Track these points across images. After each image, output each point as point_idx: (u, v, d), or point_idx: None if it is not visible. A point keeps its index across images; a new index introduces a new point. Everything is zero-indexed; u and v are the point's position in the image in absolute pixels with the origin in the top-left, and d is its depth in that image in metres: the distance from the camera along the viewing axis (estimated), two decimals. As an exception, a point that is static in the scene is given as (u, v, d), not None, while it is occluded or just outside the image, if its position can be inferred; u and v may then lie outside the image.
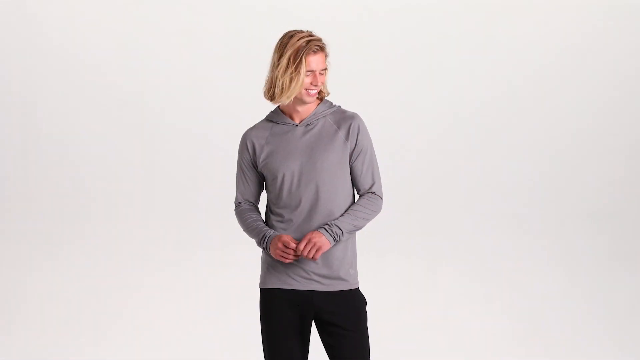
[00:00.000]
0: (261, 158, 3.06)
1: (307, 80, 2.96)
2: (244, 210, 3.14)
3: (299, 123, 3.05)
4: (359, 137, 3.01)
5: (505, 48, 5.54)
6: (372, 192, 3.04)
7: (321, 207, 2.99)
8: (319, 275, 2.99)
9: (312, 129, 3.03)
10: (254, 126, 3.12)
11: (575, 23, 5.57)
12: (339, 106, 3.09)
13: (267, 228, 3.06)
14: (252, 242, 5.26)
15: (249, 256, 5.33)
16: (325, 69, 2.99)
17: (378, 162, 3.08)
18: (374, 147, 3.08)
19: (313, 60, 2.95)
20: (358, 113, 3.07)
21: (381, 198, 3.05)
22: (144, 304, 5.25)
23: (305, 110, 3.04)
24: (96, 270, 5.31)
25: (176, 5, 5.38)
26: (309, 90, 2.97)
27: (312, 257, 2.91)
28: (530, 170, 5.58)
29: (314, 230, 2.96)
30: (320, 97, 3.06)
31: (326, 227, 2.95)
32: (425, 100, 5.50)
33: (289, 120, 3.06)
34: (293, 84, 2.94)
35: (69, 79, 5.34)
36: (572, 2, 5.57)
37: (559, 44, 5.57)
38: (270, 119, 3.10)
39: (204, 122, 5.39)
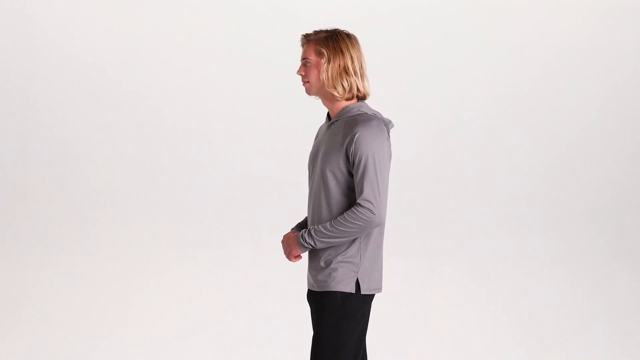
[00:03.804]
0: None
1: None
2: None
3: (329, 121, 3.05)
4: (355, 146, 2.87)
5: (505, 48, 5.54)
6: (358, 203, 2.88)
7: (315, 210, 3.00)
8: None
9: (332, 129, 3.00)
10: None
11: (575, 23, 5.57)
12: (366, 113, 2.96)
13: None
14: (252, 242, 5.22)
15: (250, 256, 5.35)
16: (307, 60, 3.00)
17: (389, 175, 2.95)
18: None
19: (302, 52, 3.04)
20: (374, 120, 2.92)
21: (369, 208, 2.85)
22: (145, 305, 5.25)
23: (332, 108, 3.03)
24: (94, 270, 5.30)
25: (176, 5, 5.38)
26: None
27: (288, 257, 3.01)
28: (531, 170, 5.58)
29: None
30: (347, 96, 2.99)
31: (302, 233, 2.96)
32: (426, 100, 5.50)
33: (328, 117, 3.07)
34: None
35: (70, 79, 5.33)
36: (573, 2, 5.57)
37: (559, 44, 5.57)
38: None
39: (204, 122, 5.39)
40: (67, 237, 5.33)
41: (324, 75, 2.96)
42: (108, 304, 5.23)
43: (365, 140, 2.87)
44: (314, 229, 2.94)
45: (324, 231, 2.91)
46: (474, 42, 5.52)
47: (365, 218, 2.87)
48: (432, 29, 5.49)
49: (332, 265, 2.96)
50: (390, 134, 3.03)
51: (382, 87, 5.45)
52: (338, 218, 2.90)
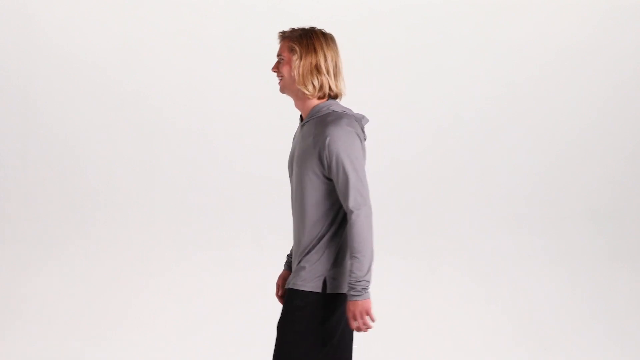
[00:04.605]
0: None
1: None
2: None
3: (301, 122, 2.98)
4: (328, 150, 2.81)
5: (505, 48, 5.54)
6: (349, 212, 2.81)
7: (296, 212, 2.94)
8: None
9: (304, 130, 2.93)
10: None
11: (575, 23, 5.58)
12: (335, 111, 2.90)
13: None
14: (252, 242, 5.21)
15: (250, 256, 5.35)
16: (281, 56, 2.97)
17: (365, 167, 2.87)
18: (364, 151, 2.89)
19: (278, 49, 3.01)
20: (344, 117, 2.86)
21: (359, 211, 2.80)
22: (145, 305, 5.25)
23: (303, 108, 2.96)
24: (94, 270, 5.30)
25: (176, 5, 5.38)
26: None
27: (371, 323, 2.85)
28: (531, 170, 5.58)
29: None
30: (318, 95, 2.92)
31: (351, 292, 2.82)
32: (426, 100, 5.49)
33: (301, 117, 3.01)
34: None
35: (70, 79, 5.33)
36: (573, 2, 5.57)
37: (559, 44, 5.57)
38: None
39: (204, 122, 5.39)
40: (67, 237, 5.32)
41: (295, 72, 2.92)
42: (108, 304, 5.22)
43: (337, 143, 2.80)
44: (351, 277, 2.81)
45: (357, 267, 2.80)
46: (474, 42, 5.52)
47: (363, 218, 2.80)
48: (432, 29, 5.49)
49: (300, 264, 2.91)
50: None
51: (382, 87, 5.47)
52: (351, 244, 2.80)
